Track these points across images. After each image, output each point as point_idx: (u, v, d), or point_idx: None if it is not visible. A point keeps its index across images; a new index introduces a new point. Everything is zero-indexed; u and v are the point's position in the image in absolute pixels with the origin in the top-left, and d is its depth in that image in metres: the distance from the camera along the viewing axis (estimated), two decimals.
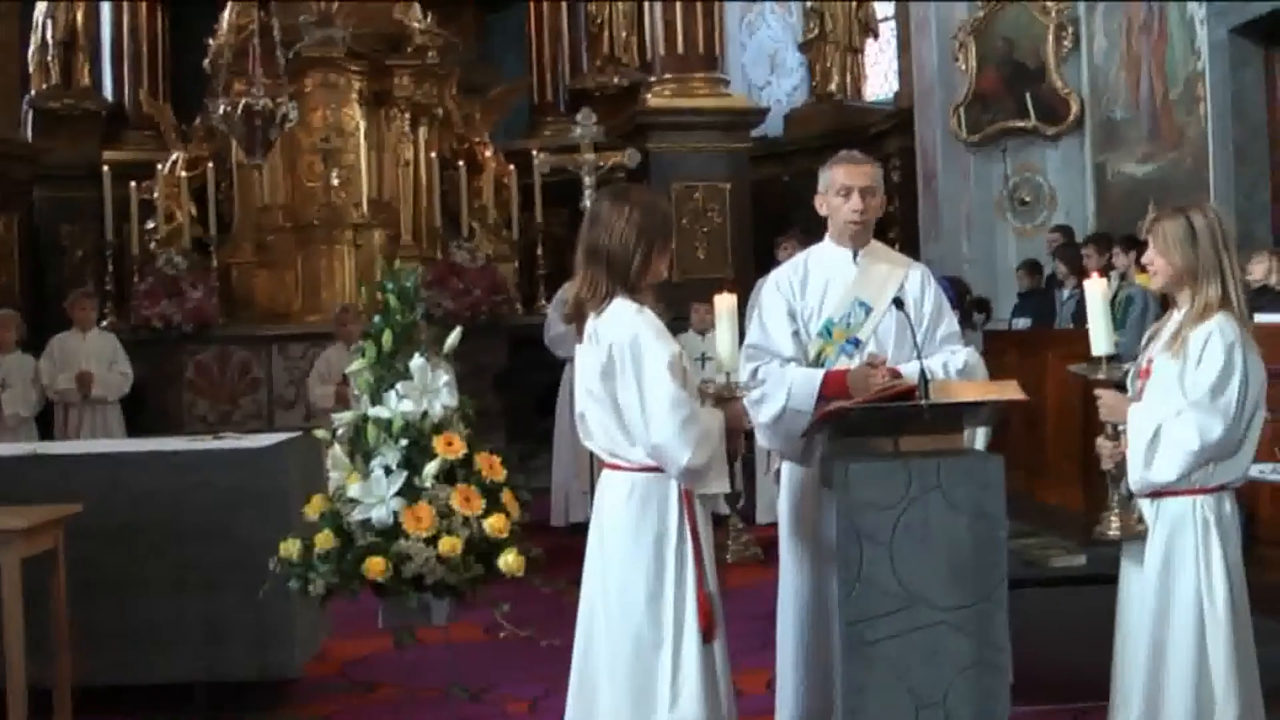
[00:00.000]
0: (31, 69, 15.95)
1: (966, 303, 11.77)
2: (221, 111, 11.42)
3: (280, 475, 6.25)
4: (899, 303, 4.66)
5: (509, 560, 4.97)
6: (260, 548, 5.36)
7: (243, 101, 11.19)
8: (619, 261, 4.13)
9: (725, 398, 4.28)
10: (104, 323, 12.86)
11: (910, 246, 12.53)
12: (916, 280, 4.87)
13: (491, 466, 5.09)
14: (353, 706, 6.31)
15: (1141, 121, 11.76)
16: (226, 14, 14.51)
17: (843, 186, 4.79)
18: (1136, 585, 4.14)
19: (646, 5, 15.72)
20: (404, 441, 5.05)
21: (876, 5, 17.04)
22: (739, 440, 4.36)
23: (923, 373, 4.21)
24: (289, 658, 6.22)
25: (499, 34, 17.38)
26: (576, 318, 4.24)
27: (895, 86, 16.62)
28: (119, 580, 6.03)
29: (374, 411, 5.10)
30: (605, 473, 4.25)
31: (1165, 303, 4.62)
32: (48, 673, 5.52)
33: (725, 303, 4.42)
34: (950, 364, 4.70)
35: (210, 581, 6.04)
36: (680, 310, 9.29)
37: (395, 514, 4.93)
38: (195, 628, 6.08)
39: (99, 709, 5.89)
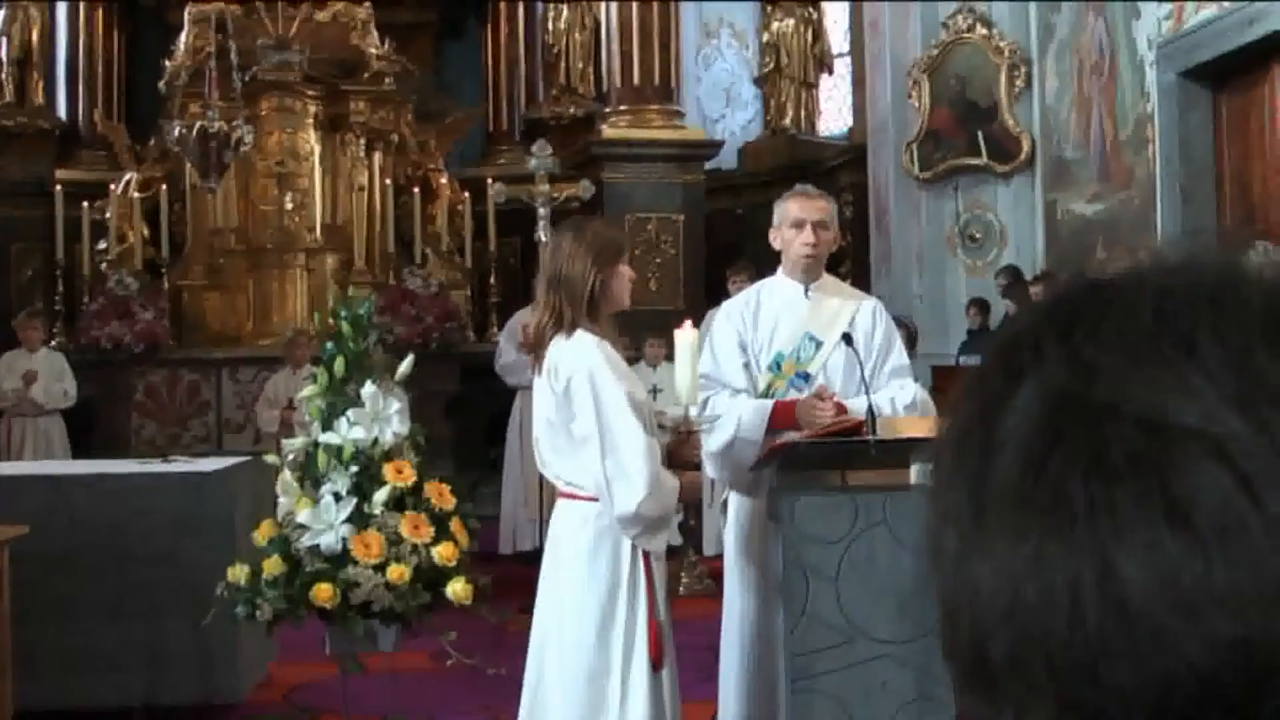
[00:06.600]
0: None
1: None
2: (176, 133, 11.36)
3: (227, 500, 6.21)
4: (848, 339, 4.70)
5: (457, 589, 4.97)
6: (205, 572, 5.33)
7: (198, 124, 11.14)
8: (578, 288, 4.18)
9: (681, 431, 4.32)
10: (53, 343, 12.76)
11: (862, 281, 12.57)
12: (868, 313, 4.92)
13: (441, 495, 5.10)
14: None
15: (1091, 161, 11.88)
16: (183, 35, 14.46)
17: (796, 220, 4.83)
18: None
19: (603, 37, 15.77)
20: (354, 468, 5.05)
21: (832, 41, 17.14)
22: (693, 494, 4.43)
23: (871, 409, 4.25)
24: (233, 683, 6.18)
25: (456, 62, 17.39)
26: (536, 347, 4.29)
27: (849, 122, 16.71)
28: (61, 603, 5.97)
29: (325, 437, 5.10)
30: (560, 501, 4.27)
31: None
32: None
33: (685, 337, 4.44)
34: (898, 400, 4.73)
35: (154, 606, 5.99)
36: (634, 340, 9.29)
37: (344, 540, 4.93)
38: (138, 652, 6.03)
39: None
